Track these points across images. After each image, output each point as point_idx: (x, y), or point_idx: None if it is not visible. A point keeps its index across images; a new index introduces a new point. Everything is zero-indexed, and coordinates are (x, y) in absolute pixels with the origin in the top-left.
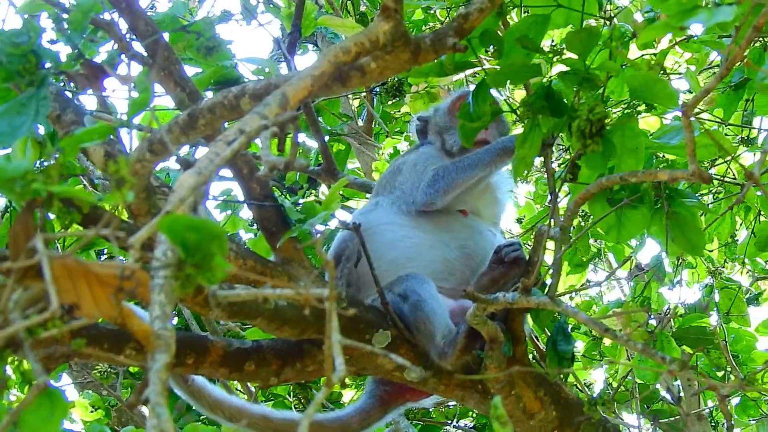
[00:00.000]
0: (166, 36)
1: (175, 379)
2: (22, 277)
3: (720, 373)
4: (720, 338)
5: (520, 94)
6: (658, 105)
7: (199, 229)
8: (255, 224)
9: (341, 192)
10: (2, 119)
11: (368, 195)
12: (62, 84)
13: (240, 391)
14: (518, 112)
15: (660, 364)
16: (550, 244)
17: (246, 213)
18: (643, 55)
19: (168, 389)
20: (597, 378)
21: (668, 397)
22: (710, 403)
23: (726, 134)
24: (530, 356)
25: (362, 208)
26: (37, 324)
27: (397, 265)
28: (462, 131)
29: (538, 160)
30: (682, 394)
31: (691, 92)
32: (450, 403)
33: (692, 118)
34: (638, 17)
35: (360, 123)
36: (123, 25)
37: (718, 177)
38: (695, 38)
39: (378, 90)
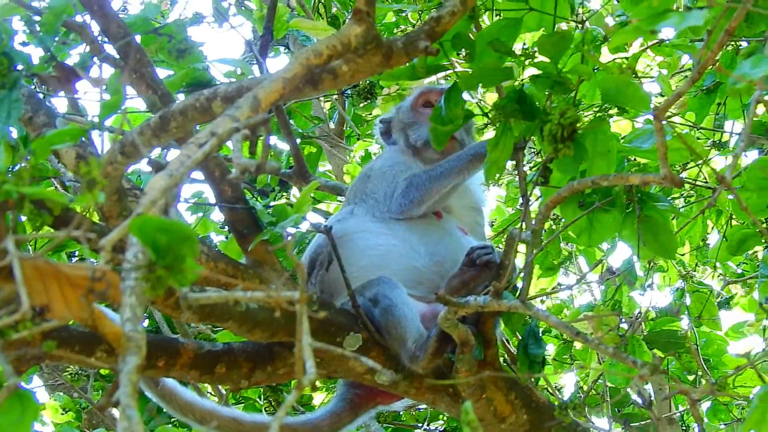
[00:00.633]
0: (138, 38)
1: (145, 381)
2: None
3: (691, 377)
4: (691, 342)
5: (492, 97)
6: (630, 108)
7: (170, 231)
8: (226, 227)
9: (312, 195)
10: None
11: (340, 198)
12: (34, 86)
13: (211, 393)
14: (490, 116)
15: (631, 368)
16: (522, 248)
17: (217, 215)
18: (615, 59)
19: (139, 391)
20: (568, 382)
21: (639, 401)
22: (681, 407)
23: (698, 138)
24: (501, 359)
25: (336, 215)
26: (7, 325)
27: (368, 273)
28: (434, 134)
29: (510, 164)
30: (653, 398)
31: (663, 96)
32: (421, 407)
33: (664, 122)
34: (610, 21)
35: (331, 125)
36: (95, 28)
37: (690, 180)
38: (667, 42)
39: (349, 92)
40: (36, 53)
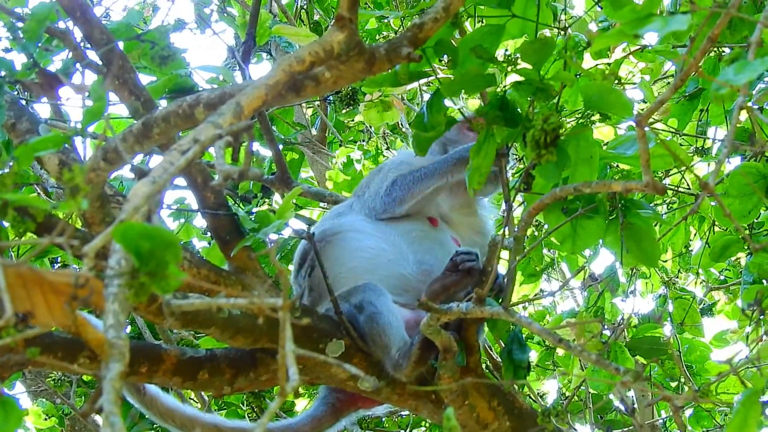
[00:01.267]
0: (121, 45)
1: (128, 388)
2: None
3: (674, 384)
4: (674, 349)
5: (474, 103)
6: (612, 115)
7: (152, 237)
8: (209, 233)
9: (295, 201)
10: None
11: (322, 204)
12: (17, 92)
13: (193, 399)
14: (472, 123)
15: (614, 374)
16: (504, 254)
17: (200, 221)
18: (597, 65)
19: (121, 398)
20: (550, 388)
21: (622, 407)
22: (664, 414)
23: (680, 144)
24: (484, 366)
25: (338, 207)
26: None
27: (356, 276)
28: (416, 141)
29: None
30: (635, 404)
31: (646, 102)
32: (403, 413)
33: (647, 129)
34: (593, 27)
35: (314, 132)
36: (78, 34)
37: (673, 187)
38: (650, 48)
39: (332, 99)
40: (19, 59)
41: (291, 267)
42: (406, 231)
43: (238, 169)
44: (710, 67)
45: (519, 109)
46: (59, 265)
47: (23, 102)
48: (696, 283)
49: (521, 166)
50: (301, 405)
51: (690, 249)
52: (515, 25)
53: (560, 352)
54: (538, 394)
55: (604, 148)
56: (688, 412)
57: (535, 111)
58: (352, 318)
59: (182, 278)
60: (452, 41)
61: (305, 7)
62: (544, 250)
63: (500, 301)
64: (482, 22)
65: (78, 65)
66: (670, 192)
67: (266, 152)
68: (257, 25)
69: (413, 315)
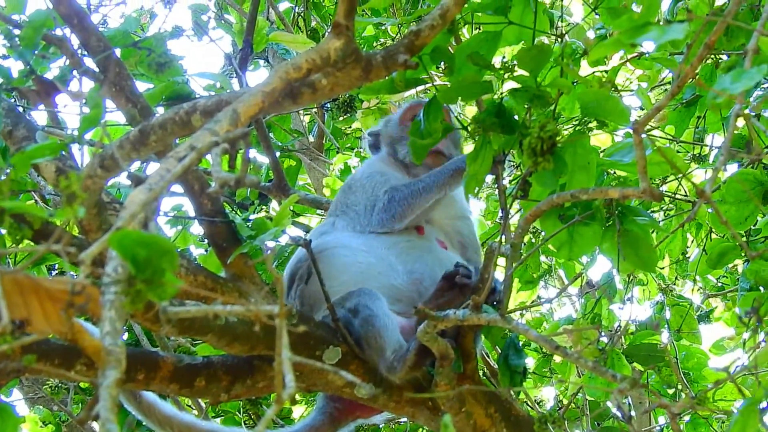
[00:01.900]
0: (118, 52)
1: (125, 395)
2: None
3: (671, 391)
4: (671, 355)
5: (471, 110)
6: (609, 122)
7: (149, 244)
8: (206, 240)
9: (292, 208)
10: None
11: (319, 211)
12: (14, 99)
13: (190, 406)
14: (469, 129)
15: (611, 381)
16: (501, 261)
17: (197, 228)
18: (594, 72)
19: (118, 405)
20: (548, 395)
21: (619, 414)
22: (661, 420)
23: (678, 151)
24: (480, 373)
25: (319, 226)
26: None
27: (348, 287)
28: (413, 148)
29: (490, 177)
30: (632, 412)
31: (643, 109)
32: (401, 420)
33: (644, 135)
34: (591, 34)
35: (311, 139)
36: (75, 41)
37: (670, 194)
38: (647, 55)
39: (329, 106)
40: (16, 66)
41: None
42: (393, 243)
43: (234, 177)
44: (707, 74)
45: (515, 117)
46: (57, 272)
47: (20, 109)
48: (693, 290)
49: (518, 173)
50: (298, 412)
51: (687, 256)
52: (512, 32)
53: (557, 358)
54: (535, 400)
55: (601, 155)
56: (686, 418)
57: (532, 118)
58: (347, 322)
59: (179, 285)
60: (449, 48)
61: (302, 14)
62: (542, 257)
63: (497, 308)
64: (479, 29)
65: (75, 72)
66: (667, 199)
67: (263, 159)
68: (254, 33)
69: (407, 322)
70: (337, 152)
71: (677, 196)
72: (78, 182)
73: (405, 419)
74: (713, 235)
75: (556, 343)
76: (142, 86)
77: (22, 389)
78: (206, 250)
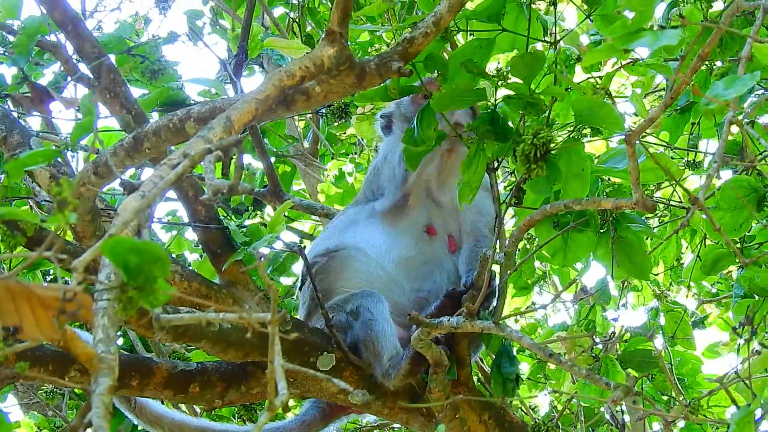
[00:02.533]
0: (113, 58)
1: (118, 398)
2: None
3: (665, 397)
4: (665, 362)
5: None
6: (603, 129)
7: (141, 252)
8: (200, 246)
9: (286, 214)
10: None
11: (314, 216)
12: (7, 105)
13: (185, 412)
14: (463, 137)
15: (604, 389)
16: (495, 268)
17: (191, 233)
18: (588, 78)
19: (111, 414)
20: (542, 401)
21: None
22: (656, 426)
23: (672, 157)
24: (475, 379)
25: (357, 209)
26: None
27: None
28: (407, 155)
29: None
30: (626, 415)
31: (637, 115)
32: (394, 426)
33: (637, 141)
34: (584, 39)
35: (306, 144)
36: (69, 47)
37: (664, 200)
38: (641, 61)
39: (324, 111)
40: (9, 72)
41: (283, 280)
42: (404, 263)
43: (228, 184)
44: (701, 80)
45: (509, 124)
46: (51, 277)
47: (15, 115)
48: (688, 296)
49: (512, 179)
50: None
51: (681, 262)
52: (506, 39)
53: (552, 365)
54: (529, 406)
55: (596, 161)
56: (680, 424)
57: (526, 124)
58: (347, 326)
59: (171, 293)
60: (443, 54)
61: (297, 19)
62: (536, 263)
63: (491, 315)
64: (473, 36)
65: (69, 79)
66: (661, 205)
67: (258, 164)
68: (249, 38)
69: (407, 333)
70: (332, 158)
71: (671, 201)
72: (70, 189)
73: (399, 426)
74: (708, 242)
75: (550, 351)
76: (137, 92)
77: (16, 395)
78: (201, 256)
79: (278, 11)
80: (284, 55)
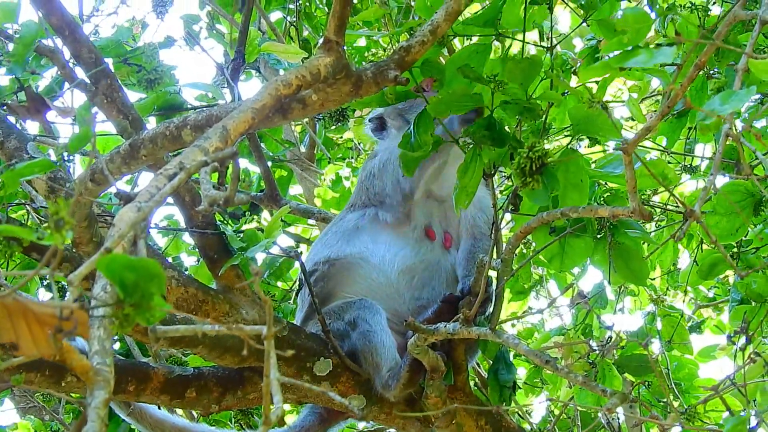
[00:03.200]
0: (109, 62)
1: (116, 403)
2: None
3: (662, 402)
4: (661, 366)
5: None
6: (600, 138)
7: (137, 268)
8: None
9: (283, 219)
10: None
11: (310, 221)
12: (4, 110)
13: (182, 416)
14: (460, 143)
15: (601, 396)
16: (492, 274)
17: (188, 237)
18: (584, 84)
19: (107, 424)
20: (539, 406)
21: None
22: None
23: (669, 162)
24: (472, 383)
25: (355, 219)
26: None
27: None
28: (403, 160)
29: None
30: (622, 416)
31: (633, 119)
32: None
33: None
34: (578, 42)
35: (302, 149)
36: (66, 52)
37: (661, 205)
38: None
39: (321, 116)
40: (5, 80)
41: (279, 284)
42: (405, 270)
43: (224, 195)
44: (698, 85)
45: (506, 129)
46: (47, 282)
47: (11, 119)
48: (684, 300)
49: (509, 183)
50: (291, 420)
51: (678, 267)
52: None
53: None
54: (526, 411)
55: (593, 166)
56: (677, 430)
57: (523, 128)
58: (345, 335)
59: (167, 309)
60: (441, 58)
61: (294, 24)
62: (533, 268)
63: (488, 320)
64: (470, 40)
65: (67, 86)
66: (658, 210)
67: (255, 169)
68: (246, 43)
69: (404, 340)
70: (329, 162)
71: (668, 206)
72: (66, 207)
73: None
74: (704, 246)
75: (547, 357)
76: (134, 95)
77: (13, 399)
78: (198, 259)
79: (275, 15)
80: (281, 60)
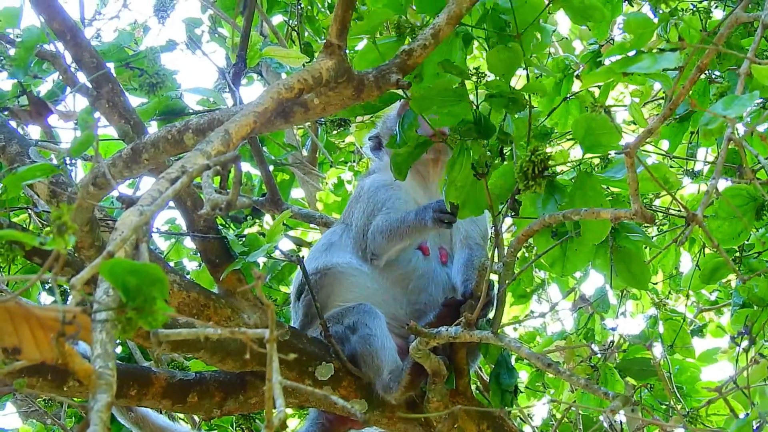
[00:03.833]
0: (111, 67)
1: (118, 408)
2: None
3: (664, 405)
4: (663, 370)
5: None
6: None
7: (139, 273)
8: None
9: (284, 222)
10: None
11: (312, 225)
12: (6, 115)
13: (183, 421)
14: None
15: (603, 399)
16: (494, 278)
17: (190, 241)
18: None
19: (108, 429)
20: (541, 409)
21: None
22: None
23: (671, 166)
24: (474, 387)
25: (330, 234)
26: None
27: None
28: (394, 163)
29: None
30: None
31: (635, 122)
32: None
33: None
34: (577, 45)
35: (304, 153)
36: (68, 57)
37: (663, 209)
38: None
39: (323, 120)
40: (8, 84)
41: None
42: (399, 278)
43: (226, 199)
44: (700, 89)
45: (492, 122)
46: (48, 286)
47: (13, 124)
48: (686, 304)
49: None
50: (293, 424)
51: (680, 271)
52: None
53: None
54: (528, 415)
55: (595, 171)
56: None
57: (521, 132)
58: (345, 339)
59: (169, 314)
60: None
61: (296, 28)
62: (535, 271)
63: (489, 324)
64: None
65: (68, 91)
66: (660, 214)
67: (257, 173)
68: (248, 47)
69: (404, 343)
70: (331, 166)
71: (671, 209)
72: (69, 212)
73: None
74: (707, 250)
75: (549, 361)
76: (135, 100)
77: (15, 402)
78: (200, 264)
79: (277, 19)
80: (283, 64)
